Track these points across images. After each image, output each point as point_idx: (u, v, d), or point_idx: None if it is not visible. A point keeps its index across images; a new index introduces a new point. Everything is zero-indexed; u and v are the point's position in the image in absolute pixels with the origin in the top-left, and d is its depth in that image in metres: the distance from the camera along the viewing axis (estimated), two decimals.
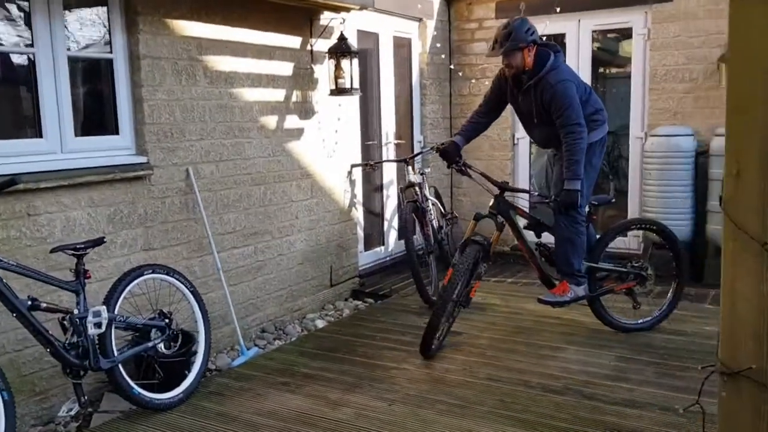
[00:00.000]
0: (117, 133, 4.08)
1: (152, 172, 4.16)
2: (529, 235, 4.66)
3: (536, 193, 4.59)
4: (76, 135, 3.85)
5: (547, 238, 4.63)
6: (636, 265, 4.75)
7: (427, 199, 5.74)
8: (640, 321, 4.73)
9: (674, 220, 6.07)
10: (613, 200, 5.26)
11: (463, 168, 4.59)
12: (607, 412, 3.48)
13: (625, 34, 6.89)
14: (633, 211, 6.69)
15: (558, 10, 6.14)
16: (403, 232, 5.61)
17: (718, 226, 5.90)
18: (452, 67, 7.28)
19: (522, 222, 4.66)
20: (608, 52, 7.57)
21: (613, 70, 7.76)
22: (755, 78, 1.25)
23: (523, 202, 5.07)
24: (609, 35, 7.22)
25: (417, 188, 5.67)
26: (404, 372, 4.10)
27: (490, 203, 4.49)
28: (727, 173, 1.32)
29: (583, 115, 4.24)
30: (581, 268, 4.50)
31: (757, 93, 1.25)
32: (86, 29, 4.03)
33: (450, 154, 4.60)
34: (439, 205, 6.18)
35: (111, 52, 4.00)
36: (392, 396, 3.75)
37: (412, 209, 5.52)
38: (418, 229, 5.66)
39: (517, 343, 4.55)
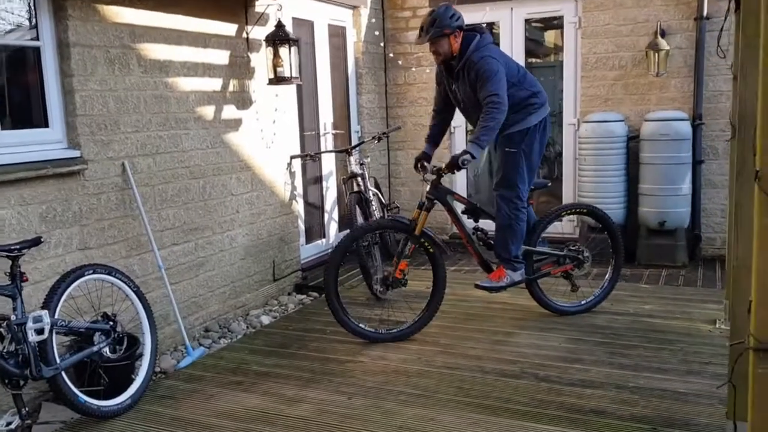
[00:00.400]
0: (47, 125, 3.81)
1: (86, 166, 3.92)
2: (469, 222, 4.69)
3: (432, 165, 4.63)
4: (2, 128, 3.58)
5: (485, 223, 4.68)
6: (573, 248, 4.84)
7: (368, 190, 5.68)
8: (581, 302, 4.83)
9: (608, 204, 6.24)
10: (550, 184, 5.35)
11: (422, 169, 4.60)
12: (564, 393, 3.53)
13: (556, 23, 7.03)
14: (567, 196, 6.84)
15: None
16: (348, 224, 5.53)
17: (649, 208, 6.16)
18: (392, 55, 7.23)
19: (460, 207, 4.68)
20: (534, 42, 7.70)
21: (540, 60, 7.91)
22: None
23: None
24: (534, 24, 7.33)
25: (359, 179, 5.61)
26: (360, 365, 4.04)
27: (427, 188, 4.49)
28: (763, 148, 1.32)
29: (505, 90, 4.18)
30: (519, 254, 4.55)
31: None
32: (9, 14, 3.74)
33: (417, 161, 4.65)
34: (380, 195, 6.14)
35: (38, 39, 3.73)
36: (351, 389, 3.68)
37: (356, 200, 5.46)
38: (361, 220, 5.60)
39: (469, 330, 4.57)
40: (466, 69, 4.27)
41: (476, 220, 4.68)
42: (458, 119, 6.58)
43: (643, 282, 5.71)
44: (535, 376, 3.77)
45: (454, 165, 4.16)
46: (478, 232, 4.68)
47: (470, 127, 6.43)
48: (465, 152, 4.13)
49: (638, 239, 6.31)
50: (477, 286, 4.58)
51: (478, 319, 4.78)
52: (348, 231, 5.40)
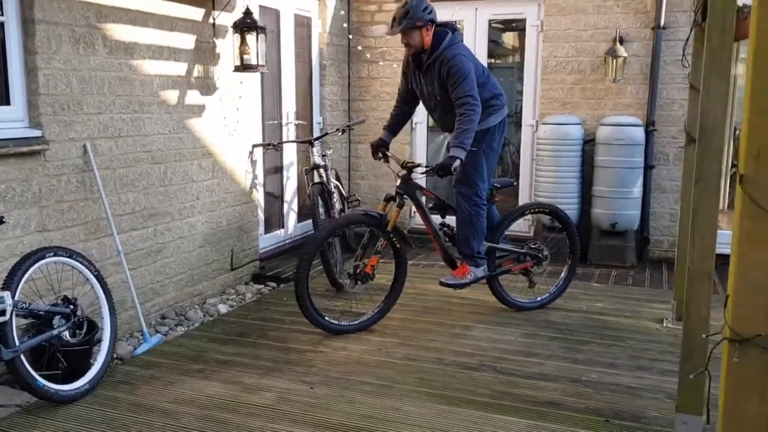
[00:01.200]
0: (8, 103, 3.71)
1: (48, 147, 3.83)
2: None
3: (424, 166, 4.66)
4: None
5: (452, 219, 4.75)
6: (533, 246, 4.98)
7: (330, 181, 5.70)
8: (537, 299, 4.97)
9: (564, 205, 6.38)
10: (515, 183, 5.46)
11: (382, 156, 4.71)
12: (521, 386, 3.64)
13: (518, 25, 7.16)
14: (524, 196, 6.99)
15: None
16: (310, 215, 5.54)
17: (601, 209, 6.36)
18: (359, 48, 7.24)
19: (429, 203, 4.75)
20: (494, 43, 7.84)
21: (499, 60, 8.06)
22: None
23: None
24: (494, 26, 7.44)
25: (321, 170, 5.62)
26: (321, 355, 4.07)
27: (397, 183, 4.53)
28: (747, 153, 1.41)
29: (477, 90, 4.27)
30: (481, 249, 4.64)
31: None
32: None
33: (375, 147, 4.74)
34: (341, 187, 6.16)
35: (2, 14, 3.62)
36: (313, 379, 3.71)
37: (318, 191, 5.47)
38: (322, 211, 5.61)
39: (429, 323, 4.64)
40: (436, 65, 4.31)
41: (443, 216, 4.76)
42: (419, 114, 6.68)
43: (594, 281, 5.89)
44: (493, 368, 3.87)
45: (448, 171, 4.20)
46: (445, 228, 4.75)
47: (432, 123, 6.52)
48: (455, 158, 4.18)
49: (590, 239, 6.50)
50: (441, 284, 4.64)
51: (437, 313, 4.86)
52: (312, 222, 5.42)
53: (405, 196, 4.50)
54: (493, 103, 4.49)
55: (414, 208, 4.80)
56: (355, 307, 4.57)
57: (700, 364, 2.60)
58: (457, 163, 4.19)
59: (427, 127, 7.13)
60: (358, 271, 4.42)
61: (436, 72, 4.33)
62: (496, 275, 4.80)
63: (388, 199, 4.52)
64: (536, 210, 5.21)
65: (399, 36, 4.35)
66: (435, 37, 4.32)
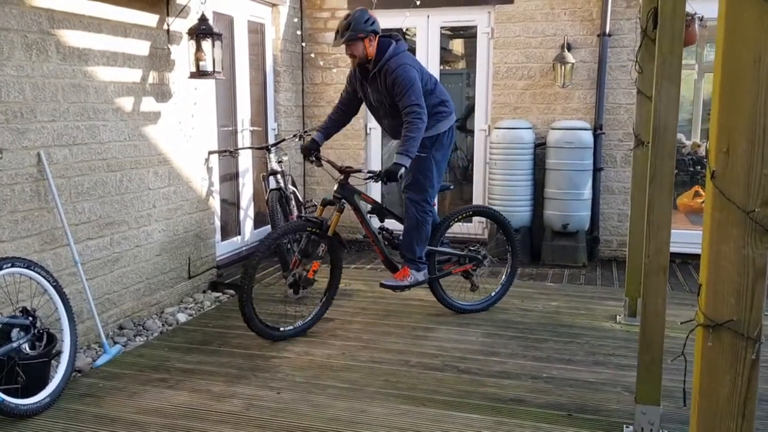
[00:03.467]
0: None
1: (1, 155, 3.74)
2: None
3: (366, 171, 4.68)
4: None
5: (391, 223, 4.83)
6: (472, 249, 5.04)
7: (288, 187, 5.71)
8: (478, 302, 5.00)
9: (517, 207, 6.58)
10: (452, 187, 5.43)
11: (315, 159, 4.70)
12: (486, 384, 3.72)
13: (468, 32, 7.30)
14: (478, 199, 7.12)
15: (418, 3, 6.35)
16: (269, 221, 5.54)
17: (553, 211, 6.53)
18: (313, 55, 7.26)
19: (367, 206, 4.77)
20: (443, 50, 7.96)
21: (449, 66, 8.18)
22: (745, 66, 1.44)
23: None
24: (444, 32, 7.57)
25: (279, 176, 5.62)
26: (286, 360, 4.07)
27: (335, 188, 4.58)
28: (717, 150, 1.51)
29: (423, 98, 4.34)
30: (423, 254, 4.69)
31: (746, 79, 1.45)
32: None
33: (307, 149, 4.72)
34: (297, 193, 6.17)
35: None
36: (279, 384, 3.71)
37: (277, 197, 5.46)
38: (281, 216, 5.61)
39: (390, 326, 4.69)
40: (382, 74, 4.37)
41: (381, 220, 4.79)
42: (375, 120, 6.73)
43: (548, 280, 6.05)
44: (456, 368, 3.94)
45: (393, 178, 4.26)
46: (384, 232, 4.79)
47: None
48: (400, 165, 4.24)
49: (543, 240, 6.66)
50: (382, 285, 4.69)
51: (397, 316, 4.92)
52: (267, 228, 5.42)
53: (343, 201, 4.54)
54: (441, 109, 4.56)
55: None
56: (302, 311, 4.62)
57: (658, 354, 2.72)
58: (402, 170, 4.27)
59: (382, 132, 7.20)
60: (299, 277, 4.44)
61: (382, 81, 4.39)
62: (436, 278, 4.84)
63: (326, 203, 4.55)
64: (473, 213, 5.20)
65: (344, 47, 4.39)
66: (379, 47, 4.38)
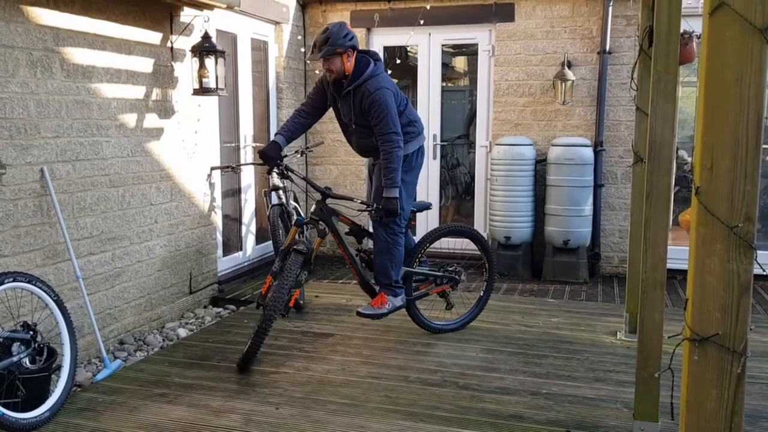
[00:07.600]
0: None
1: (4, 171, 3.78)
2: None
3: (359, 201, 4.51)
4: None
5: (369, 243, 4.74)
6: (450, 269, 4.91)
7: (290, 203, 5.74)
8: (453, 321, 4.91)
9: (518, 223, 6.60)
10: (431, 207, 5.30)
11: (284, 171, 4.46)
12: (485, 400, 3.71)
13: (470, 49, 7.36)
14: (479, 215, 7.14)
15: (422, 22, 6.41)
16: (271, 237, 5.55)
17: (554, 227, 6.54)
18: (317, 71, 7.32)
19: (345, 228, 4.65)
20: (444, 66, 8.03)
21: (450, 84, 8.24)
22: (728, 84, 1.47)
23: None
24: (445, 49, 7.64)
25: (281, 192, 5.65)
26: (285, 375, 4.08)
27: (312, 209, 4.50)
28: (702, 166, 1.53)
29: (400, 125, 4.31)
30: (398, 278, 4.58)
31: (729, 97, 1.47)
32: None
33: (269, 155, 4.40)
34: (299, 209, 6.20)
35: None
36: (278, 400, 3.71)
37: (278, 213, 5.49)
38: (283, 232, 5.63)
39: (390, 342, 4.69)
40: (358, 93, 4.29)
41: (359, 242, 4.71)
42: None
43: (549, 296, 6.05)
44: (456, 384, 3.94)
45: (394, 213, 4.27)
46: (362, 254, 4.70)
47: None
48: (393, 199, 4.25)
49: (544, 257, 6.67)
50: (359, 314, 4.56)
51: (397, 331, 4.92)
52: (269, 244, 5.42)
53: (320, 222, 4.45)
54: (409, 130, 4.46)
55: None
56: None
57: (655, 369, 2.72)
58: (395, 202, 4.26)
59: None
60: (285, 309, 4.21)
61: (357, 100, 4.31)
62: (413, 299, 4.73)
63: (299, 225, 4.44)
64: (447, 232, 4.93)
65: (322, 61, 4.30)
66: (357, 64, 4.30)
